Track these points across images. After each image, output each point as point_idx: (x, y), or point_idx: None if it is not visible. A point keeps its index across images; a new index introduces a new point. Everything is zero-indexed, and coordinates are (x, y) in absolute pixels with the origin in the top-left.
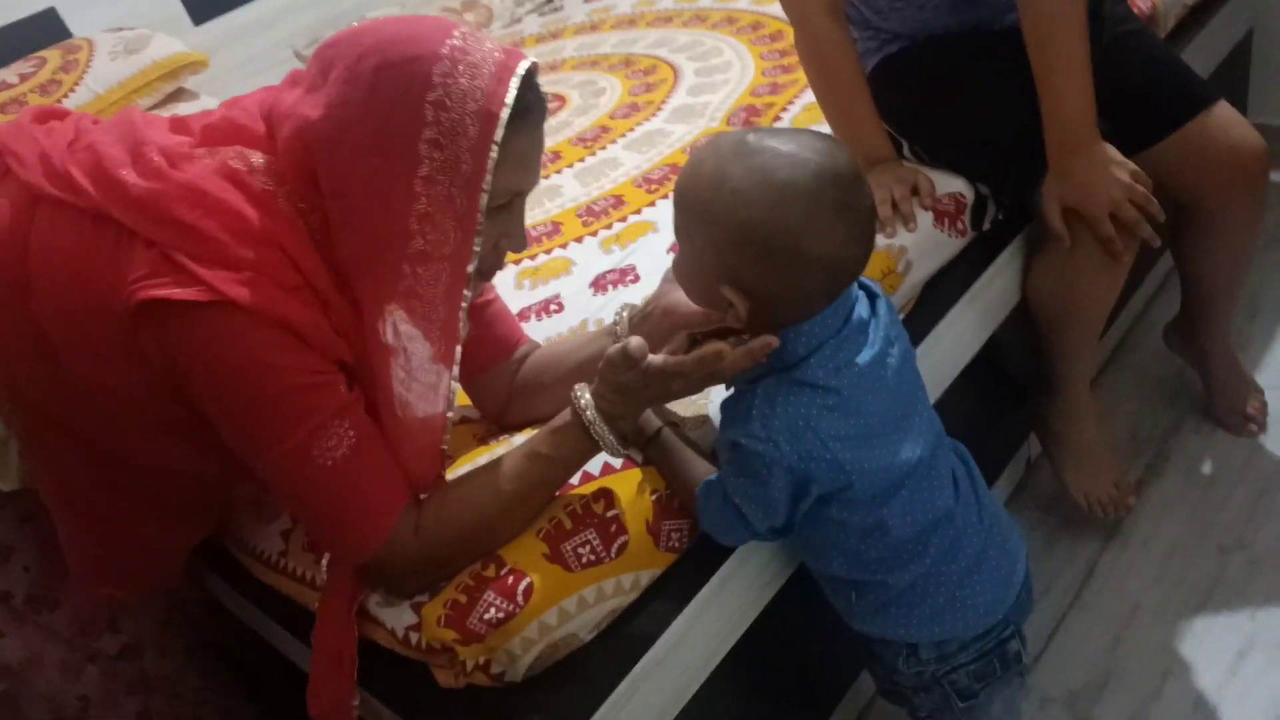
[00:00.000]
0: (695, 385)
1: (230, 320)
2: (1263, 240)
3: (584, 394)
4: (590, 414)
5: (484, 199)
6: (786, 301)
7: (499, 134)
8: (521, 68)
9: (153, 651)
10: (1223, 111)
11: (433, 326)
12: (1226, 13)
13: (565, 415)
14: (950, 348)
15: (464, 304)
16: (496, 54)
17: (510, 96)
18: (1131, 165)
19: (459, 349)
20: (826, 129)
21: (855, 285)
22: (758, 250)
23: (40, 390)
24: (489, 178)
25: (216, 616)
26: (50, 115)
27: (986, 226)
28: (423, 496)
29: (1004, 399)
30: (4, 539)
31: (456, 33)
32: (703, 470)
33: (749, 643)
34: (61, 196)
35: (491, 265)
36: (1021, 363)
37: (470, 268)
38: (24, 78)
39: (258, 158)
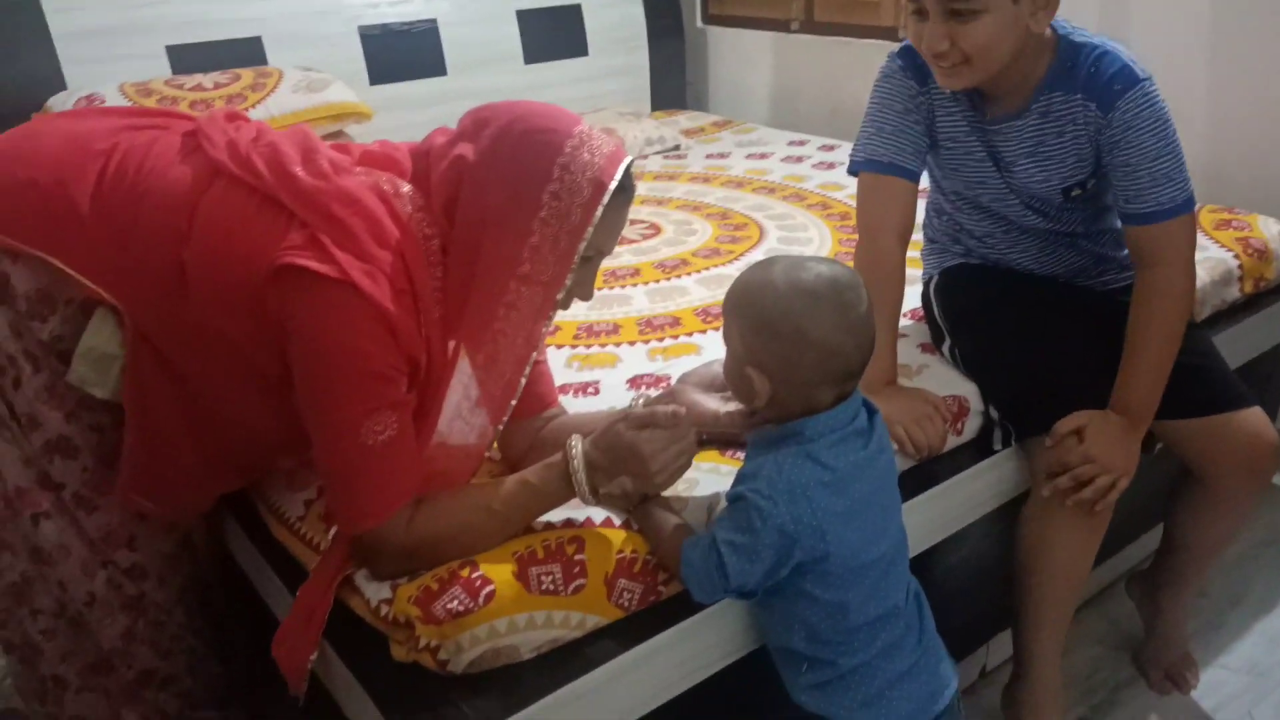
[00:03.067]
0: (668, 460)
1: (346, 299)
2: (1265, 536)
3: (577, 443)
4: (577, 462)
5: (582, 245)
6: (794, 383)
7: (606, 198)
8: (629, 159)
9: (154, 579)
10: (1255, 415)
11: (519, 335)
12: (1266, 316)
13: (557, 456)
14: (913, 531)
15: (548, 323)
16: (610, 145)
17: (619, 174)
18: (1139, 460)
19: (532, 358)
20: None
21: (860, 401)
22: (770, 331)
23: (161, 321)
24: (590, 230)
25: (219, 561)
26: (238, 117)
27: (998, 447)
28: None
29: (965, 601)
30: (77, 439)
31: (585, 123)
32: (686, 533)
33: (677, 714)
34: (240, 175)
35: (564, 302)
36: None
37: (559, 295)
38: (218, 85)
39: (405, 186)
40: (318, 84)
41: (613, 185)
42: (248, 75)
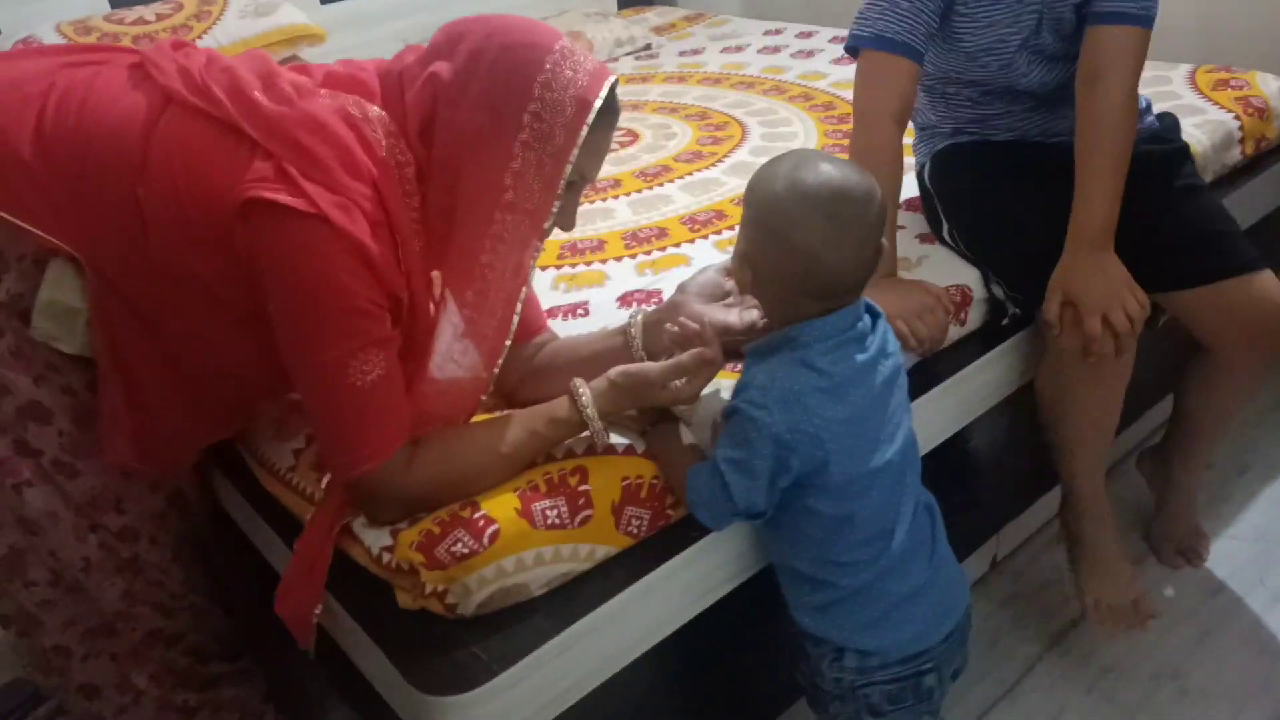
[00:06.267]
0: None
1: (320, 234)
2: (1270, 402)
3: (584, 391)
4: (590, 412)
5: (568, 169)
6: (776, 286)
7: (590, 118)
8: (612, 78)
9: (146, 539)
10: (1266, 280)
11: (507, 268)
12: (1268, 178)
13: (565, 406)
14: (923, 429)
15: (535, 254)
16: (593, 62)
17: (604, 92)
18: (1133, 282)
19: (523, 293)
20: None
21: (861, 307)
22: (763, 230)
23: (123, 265)
24: (575, 152)
25: (209, 515)
26: (185, 45)
27: (1005, 321)
28: (422, 437)
29: (974, 493)
30: (48, 403)
31: (566, 38)
32: (697, 457)
33: (687, 640)
34: (195, 103)
35: (547, 232)
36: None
37: (546, 224)
38: (160, 17)
39: (374, 110)
40: (265, 7)
41: (597, 103)
42: (191, 3)
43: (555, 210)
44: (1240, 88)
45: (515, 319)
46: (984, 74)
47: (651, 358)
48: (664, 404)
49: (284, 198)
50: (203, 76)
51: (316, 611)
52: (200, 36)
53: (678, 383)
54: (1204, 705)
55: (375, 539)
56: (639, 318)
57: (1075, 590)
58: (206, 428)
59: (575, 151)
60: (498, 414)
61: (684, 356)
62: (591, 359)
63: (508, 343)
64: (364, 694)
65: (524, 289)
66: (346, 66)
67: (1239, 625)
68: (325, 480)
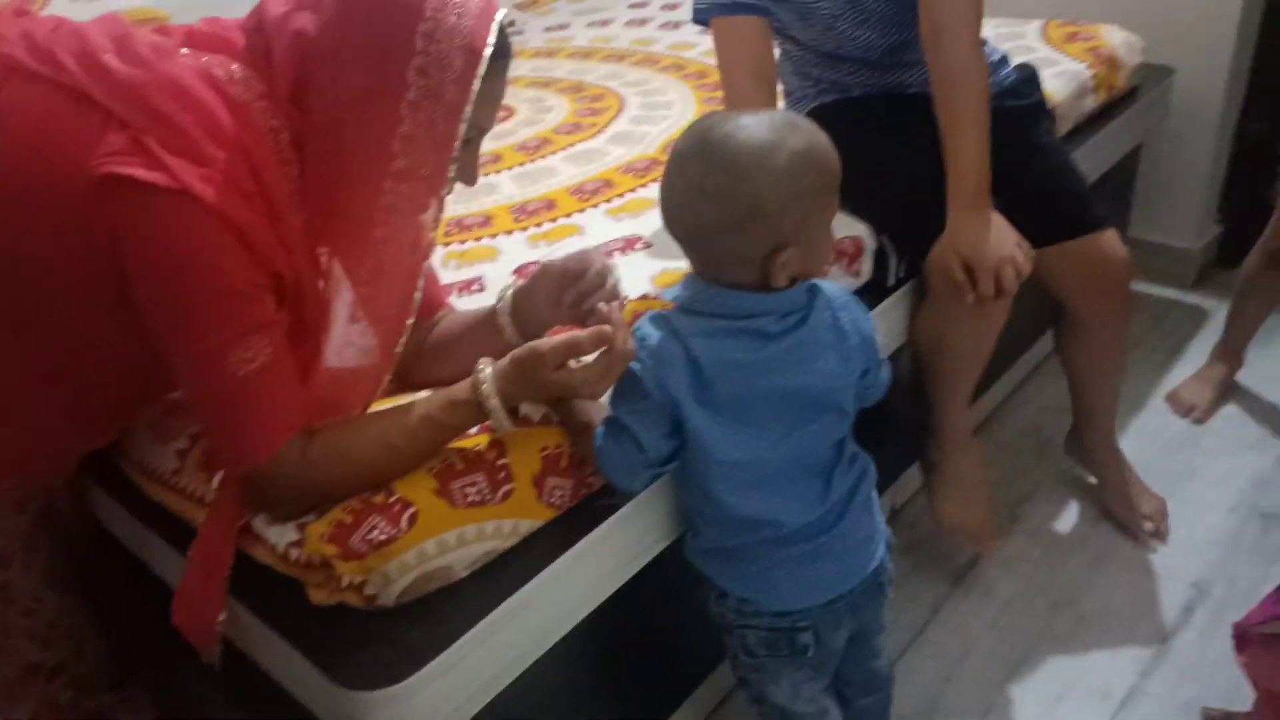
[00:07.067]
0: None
1: (186, 211)
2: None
3: (486, 369)
4: (493, 402)
5: (463, 128)
6: None
7: (482, 69)
8: (501, 14)
9: (18, 566)
10: (1111, 237)
11: (405, 241)
12: (1118, 126)
13: (464, 389)
14: None
15: (435, 223)
16: (477, 2)
17: (493, 37)
18: (1018, 234)
19: (424, 268)
20: None
21: (778, 305)
22: None
23: None
24: (469, 109)
25: (85, 535)
26: (26, 12)
27: (891, 281)
28: (316, 427)
29: (872, 444)
30: None
31: None
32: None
33: (612, 610)
34: (40, 70)
35: (445, 194)
36: (898, 416)
37: (444, 190)
38: None
39: (238, 69)
40: None
41: (488, 51)
42: None
43: (452, 174)
44: (1089, 39)
45: (418, 296)
46: (816, 37)
47: (523, 328)
48: (564, 391)
49: (140, 172)
50: (48, 41)
51: (220, 619)
52: None
53: (581, 376)
54: (1100, 628)
55: (281, 535)
56: (509, 293)
57: (930, 513)
58: (78, 434)
59: (469, 108)
60: (400, 398)
61: (581, 334)
62: (464, 333)
63: (409, 321)
64: (272, 705)
65: (425, 264)
66: (211, 25)
67: (1123, 551)
68: (217, 479)
